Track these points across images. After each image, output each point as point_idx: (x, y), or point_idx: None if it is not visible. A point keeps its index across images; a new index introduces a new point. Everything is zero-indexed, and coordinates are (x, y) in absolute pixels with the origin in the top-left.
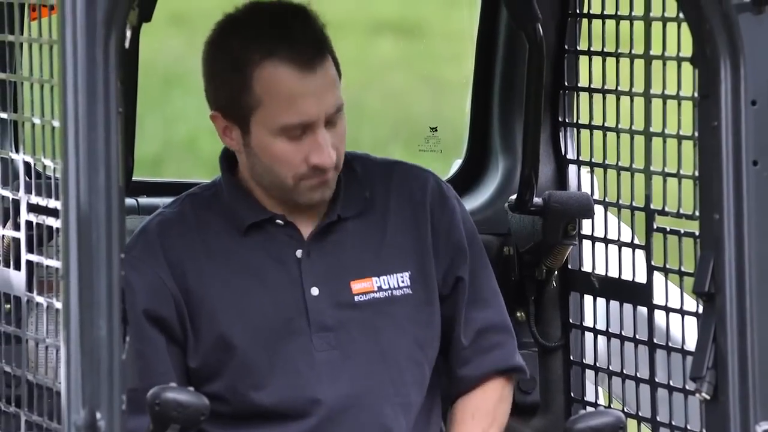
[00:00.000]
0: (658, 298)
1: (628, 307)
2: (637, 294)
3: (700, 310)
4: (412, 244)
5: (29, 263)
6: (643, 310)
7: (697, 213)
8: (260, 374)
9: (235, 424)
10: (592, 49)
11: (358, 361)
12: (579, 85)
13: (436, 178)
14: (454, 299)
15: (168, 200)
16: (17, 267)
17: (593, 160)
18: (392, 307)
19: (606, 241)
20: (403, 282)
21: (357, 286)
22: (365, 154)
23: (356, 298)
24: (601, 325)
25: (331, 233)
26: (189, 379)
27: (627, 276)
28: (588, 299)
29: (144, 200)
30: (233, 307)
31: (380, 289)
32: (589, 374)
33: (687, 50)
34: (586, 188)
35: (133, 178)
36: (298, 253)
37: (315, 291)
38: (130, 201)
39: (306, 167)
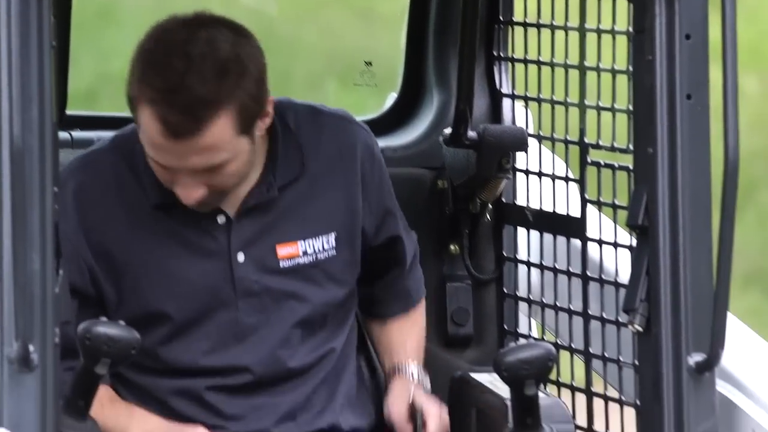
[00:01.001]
0: (592, 231)
1: (561, 240)
2: (570, 227)
3: (634, 243)
4: (341, 204)
5: None
6: (576, 242)
7: (631, 147)
8: (187, 340)
9: (160, 377)
10: None
11: (283, 326)
12: (514, 19)
13: (365, 133)
14: (385, 256)
15: (102, 134)
16: None
17: (528, 94)
18: (316, 270)
19: (540, 174)
20: (328, 244)
21: (282, 251)
22: (288, 101)
23: (281, 264)
24: (534, 258)
25: (261, 200)
26: None
27: (561, 209)
28: (522, 232)
29: (78, 134)
30: (158, 276)
31: (305, 253)
32: (523, 306)
33: None
34: (520, 122)
35: (67, 112)
36: (220, 219)
37: (241, 257)
38: (63, 135)
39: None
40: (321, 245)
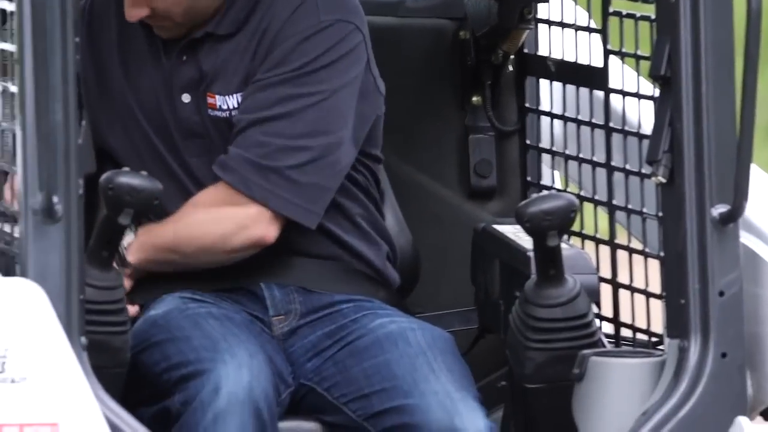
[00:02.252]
0: (615, 82)
1: (584, 91)
2: (593, 78)
3: (656, 94)
4: (260, 62)
5: None
6: (599, 93)
7: None
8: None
9: None
10: None
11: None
12: None
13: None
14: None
15: None
16: None
17: None
18: (227, 126)
19: (562, 24)
20: (239, 104)
21: (209, 100)
22: None
23: (210, 112)
24: (557, 110)
25: (209, 44)
26: None
27: (583, 60)
28: (544, 83)
29: None
30: (110, 90)
31: (220, 108)
32: (546, 158)
33: None
34: None
35: None
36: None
37: (186, 98)
38: None
39: None
40: (235, 103)
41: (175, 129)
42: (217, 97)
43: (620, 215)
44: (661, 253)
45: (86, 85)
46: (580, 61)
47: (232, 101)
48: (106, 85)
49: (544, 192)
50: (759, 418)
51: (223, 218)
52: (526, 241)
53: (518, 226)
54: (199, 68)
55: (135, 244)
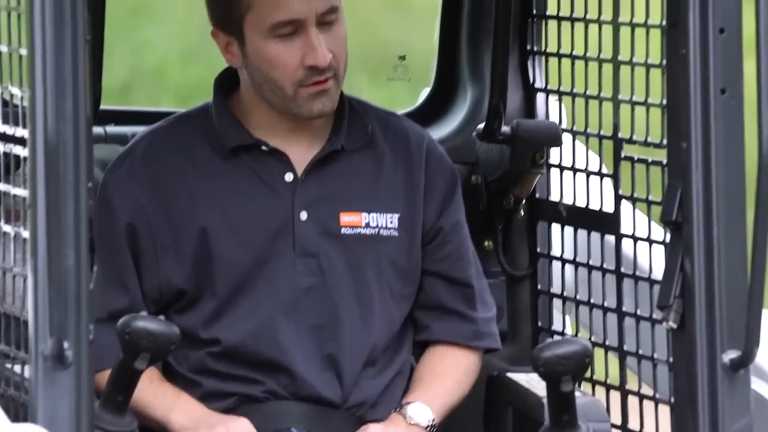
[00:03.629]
0: (626, 227)
1: (595, 236)
2: (604, 223)
3: (668, 239)
4: (405, 187)
5: None
6: (610, 238)
7: (664, 142)
8: (242, 293)
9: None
10: None
11: (336, 293)
12: (547, 13)
13: (432, 138)
14: (436, 252)
15: (136, 129)
16: None
17: (561, 89)
18: (376, 245)
19: (574, 170)
20: (391, 223)
21: (345, 218)
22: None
23: (342, 230)
24: (568, 255)
25: (331, 162)
26: (155, 301)
27: (595, 205)
28: (556, 228)
29: (112, 129)
30: (223, 225)
31: (368, 225)
32: (557, 303)
33: None
34: (554, 117)
35: (101, 107)
36: (288, 176)
37: (304, 215)
38: (97, 130)
39: (303, 71)
40: (385, 222)
41: (283, 250)
42: (363, 214)
43: (631, 361)
44: (672, 399)
45: (159, 232)
46: (591, 206)
47: (385, 220)
48: (190, 226)
49: (557, 338)
50: None
51: (471, 369)
52: (539, 389)
53: (531, 374)
54: (328, 187)
55: (430, 411)
